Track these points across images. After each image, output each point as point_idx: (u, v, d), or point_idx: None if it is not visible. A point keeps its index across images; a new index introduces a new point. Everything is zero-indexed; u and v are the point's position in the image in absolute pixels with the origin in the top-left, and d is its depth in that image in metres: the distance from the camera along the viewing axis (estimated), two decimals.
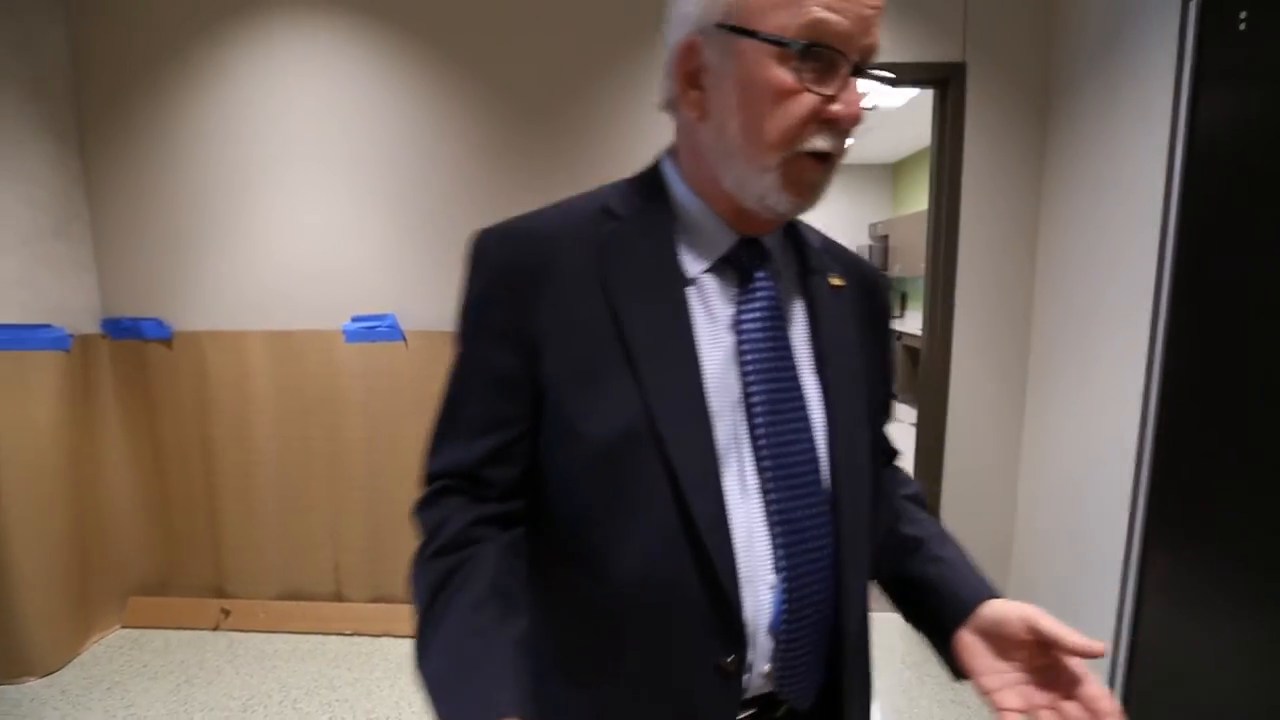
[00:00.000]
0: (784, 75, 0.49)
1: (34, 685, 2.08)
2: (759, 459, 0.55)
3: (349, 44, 2.23)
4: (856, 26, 0.49)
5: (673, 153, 0.61)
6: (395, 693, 2.02)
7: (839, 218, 8.08)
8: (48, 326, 2.18)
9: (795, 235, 0.64)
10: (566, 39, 2.19)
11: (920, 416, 2.35)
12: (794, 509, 0.55)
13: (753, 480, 0.55)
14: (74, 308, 2.29)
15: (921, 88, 2.27)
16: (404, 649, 2.27)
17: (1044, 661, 0.54)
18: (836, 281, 0.65)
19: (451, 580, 0.53)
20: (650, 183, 0.61)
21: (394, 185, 2.28)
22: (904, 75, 2.11)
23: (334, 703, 1.99)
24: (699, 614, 0.53)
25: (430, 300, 2.30)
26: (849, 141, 0.53)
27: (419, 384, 2.27)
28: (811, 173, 0.53)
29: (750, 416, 0.56)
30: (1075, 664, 0.52)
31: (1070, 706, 0.51)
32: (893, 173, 7.65)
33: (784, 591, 0.54)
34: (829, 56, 0.49)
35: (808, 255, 0.64)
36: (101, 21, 2.29)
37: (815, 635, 0.56)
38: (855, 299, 0.67)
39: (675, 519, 0.52)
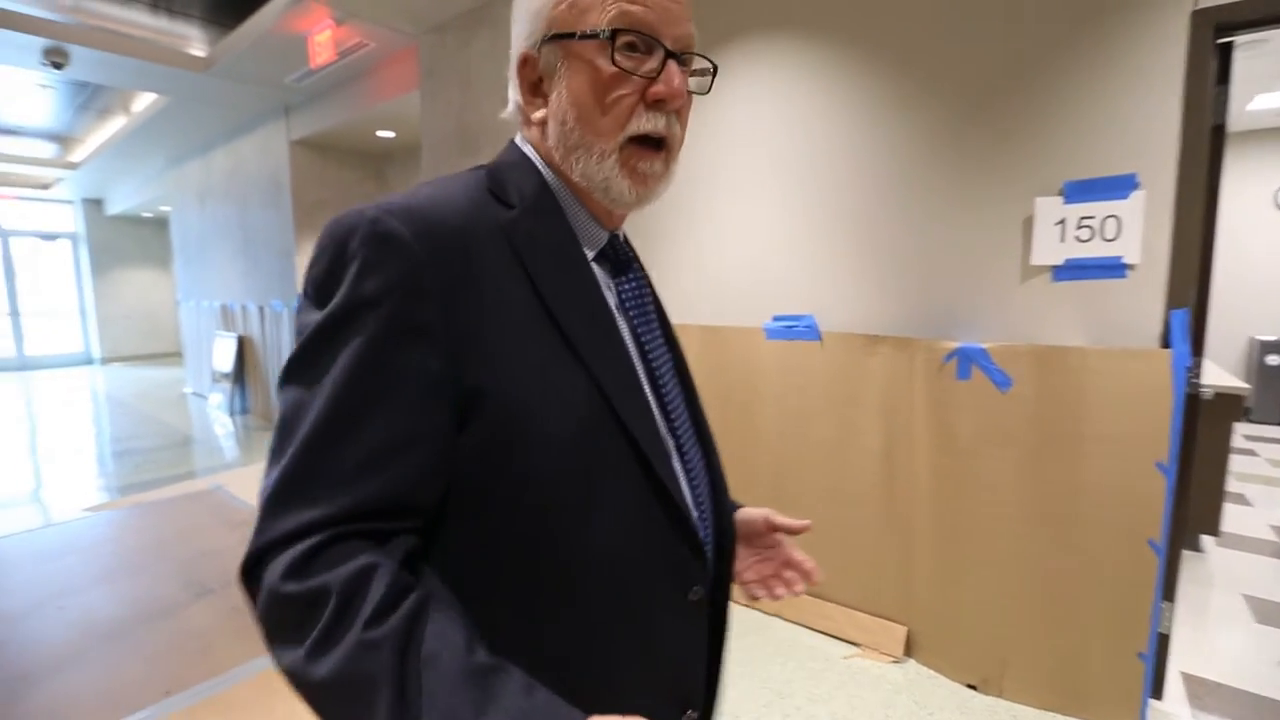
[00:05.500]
0: (606, 65, 0.55)
1: None
2: (670, 421, 0.63)
3: (786, 55, 2.42)
4: (662, 16, 0.56)
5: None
6: (785, 671, 2.15)
7: None
8: None
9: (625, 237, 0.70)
10: (1005, 23, 1.95)
11: None
12: (692, 459, 0.65)
13: (670, 440, 0.63)
14: None
15: None
16: (790, 632, 2.39)
17: (770, 543, 0.78)
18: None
19: (423, 644, 0.42)
20: (528, 173, 0.61)
21: (818, 190, 2.40)
22: None
23: (733, 663, 2.23)
24: (673, 559, 0.60)
25: (847, 303, 2.35)
26: (677, 128, 0.59)
27: (832, 383, 2.35)
28: (646, 161, 0.59)
29: (656, 386, 0.63)
30: (787, 541, 0.78)
31: (787, 571, 0.77)
32: None
33: (701, 521, 0.64)
34: (643, 43, 0.55)
35: (634, 253, 0.70)
36: None
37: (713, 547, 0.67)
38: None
39: (644, 484, 0.57)
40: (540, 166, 0.61)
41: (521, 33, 0.59)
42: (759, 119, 2.52)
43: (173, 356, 11.28)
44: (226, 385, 6.64)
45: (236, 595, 2.67)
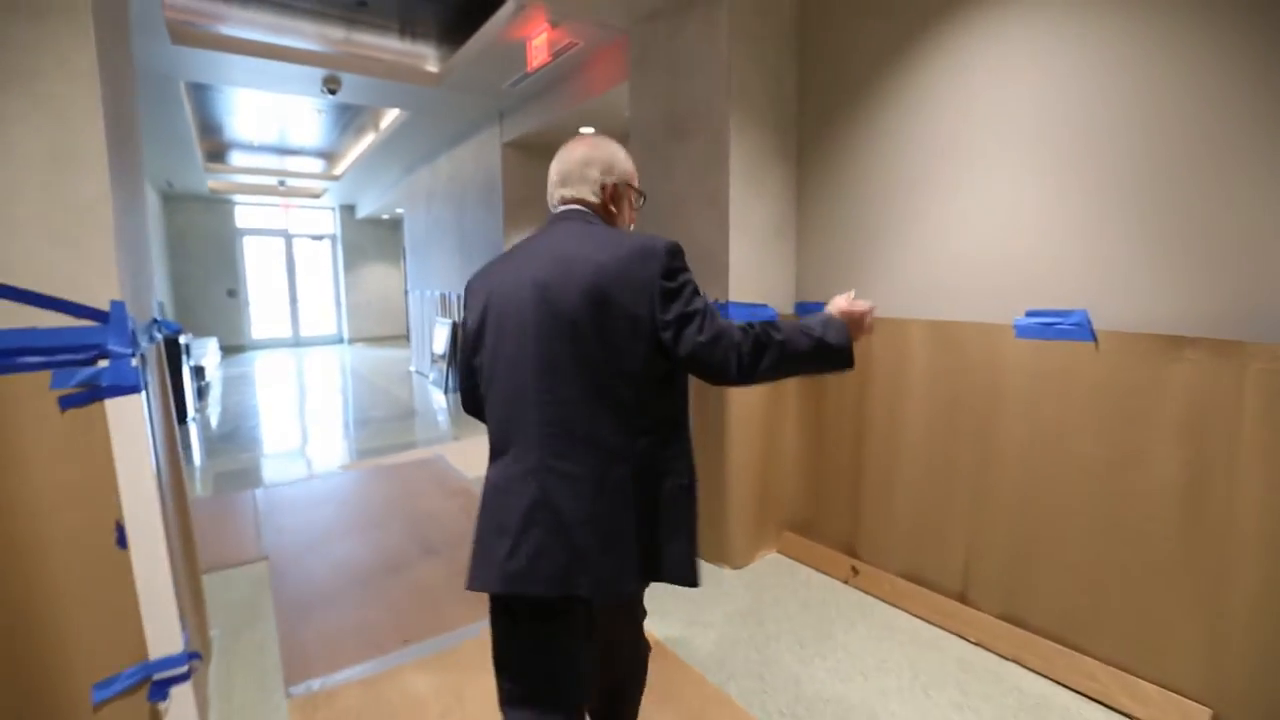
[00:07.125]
0: (635, 204, 1.38)
1: (729, 573, 2.79)
2: None
3: (1057, 22, 2.00)
4: None
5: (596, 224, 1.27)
6: None
7: None
8: (763, 306, 2.83)
9: None
10: None
11: None
12: None
13: None
14: (780, 291, 2.91)
15: None
16: (1038, 686, 2.01)
17: None
18: None
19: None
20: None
21: (1096, 170, 1.95)
22: None
23: (964, 707, 1.92)
24: None
25: (1135, 297, 1.89)
26: None
27: (1106, 392, 1.92)
28: None
29: None
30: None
31: None
32: None
33: None
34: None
35: None
36: (820, 60, 2.77)
37: None
38: None
39: None
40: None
41: (610, 173, 1.29)
42: (1016, 69, 2.13)
43: (400, 339, 13.09)
44: (441, 365, 7.49)
45: (459, 558, 2.92)
